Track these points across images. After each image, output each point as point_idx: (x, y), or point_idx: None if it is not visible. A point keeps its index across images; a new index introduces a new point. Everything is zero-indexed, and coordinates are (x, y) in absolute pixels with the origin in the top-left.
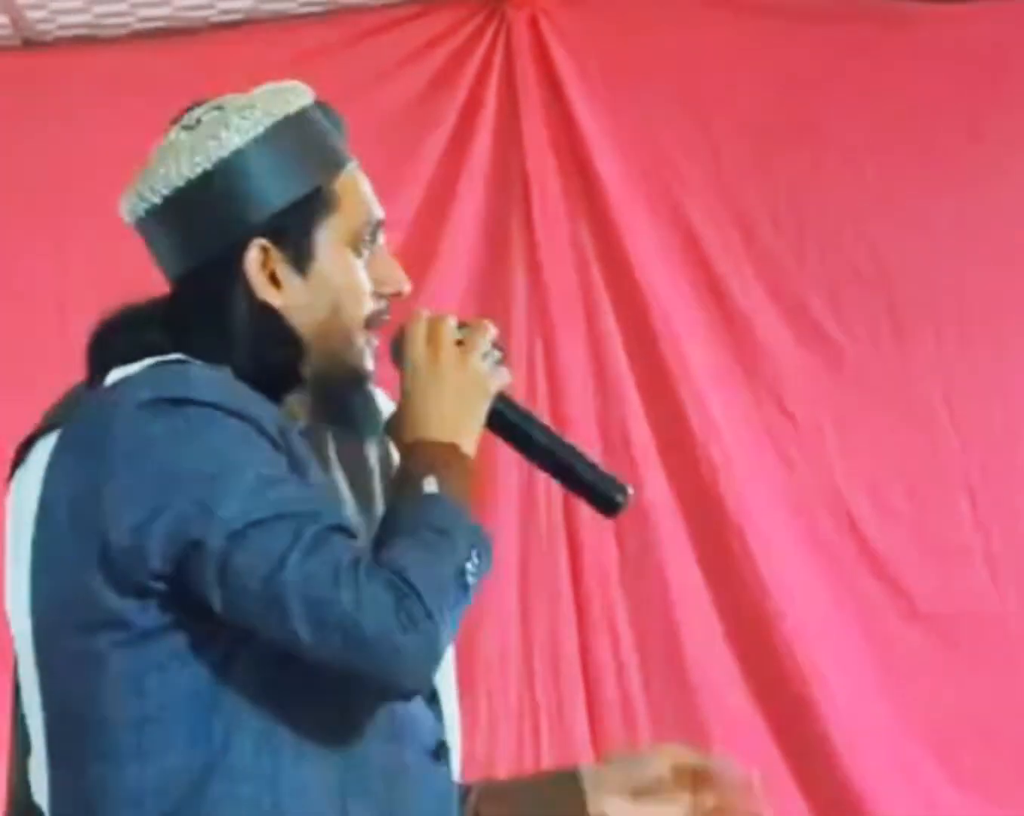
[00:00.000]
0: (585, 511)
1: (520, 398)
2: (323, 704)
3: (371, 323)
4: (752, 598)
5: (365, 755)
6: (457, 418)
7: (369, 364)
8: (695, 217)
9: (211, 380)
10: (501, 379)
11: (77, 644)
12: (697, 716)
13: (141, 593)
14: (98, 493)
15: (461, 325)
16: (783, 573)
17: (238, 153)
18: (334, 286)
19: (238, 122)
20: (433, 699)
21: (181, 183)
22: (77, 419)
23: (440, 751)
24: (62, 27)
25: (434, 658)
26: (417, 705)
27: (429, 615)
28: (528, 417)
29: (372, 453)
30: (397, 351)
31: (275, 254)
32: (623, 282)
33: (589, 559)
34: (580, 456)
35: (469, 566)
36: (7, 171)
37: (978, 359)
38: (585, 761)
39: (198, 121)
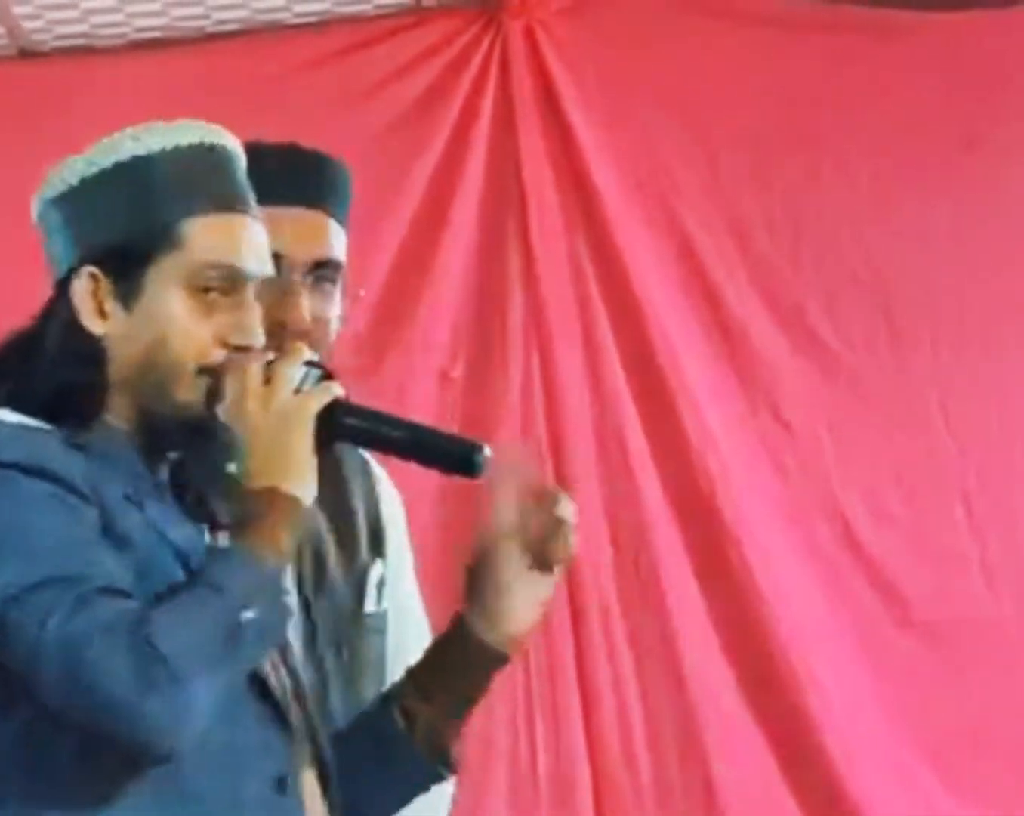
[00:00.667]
0: (581, 521)
1: (516, 412)
2: None
3: (215, 370)
4: (748, 606)
5: (196, 792)
6: (271, 459)
7: (198, 405)
8: (692, 227)
9: (15, 438)
10: (324, 396)
11: None
12: (693, 725)
13: None
14: None
15: (270, 361)
16: (779, 581)
17: (84, 182)
18: (159, 325)
19: (95, 155)
20: (285, 725)
21: (40, 207)
22: None
23: (281, 783)
24: (58, 37)
25: (181, 722)
26: (257, 736)
27: (174, 679)
28: (369, 416)
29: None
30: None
31: (105, 284)
32: (620, 294)
33: (585, 571)
34: (431, 433)
35: (244, 619)
36: (3, 181)
37: (975, 365)
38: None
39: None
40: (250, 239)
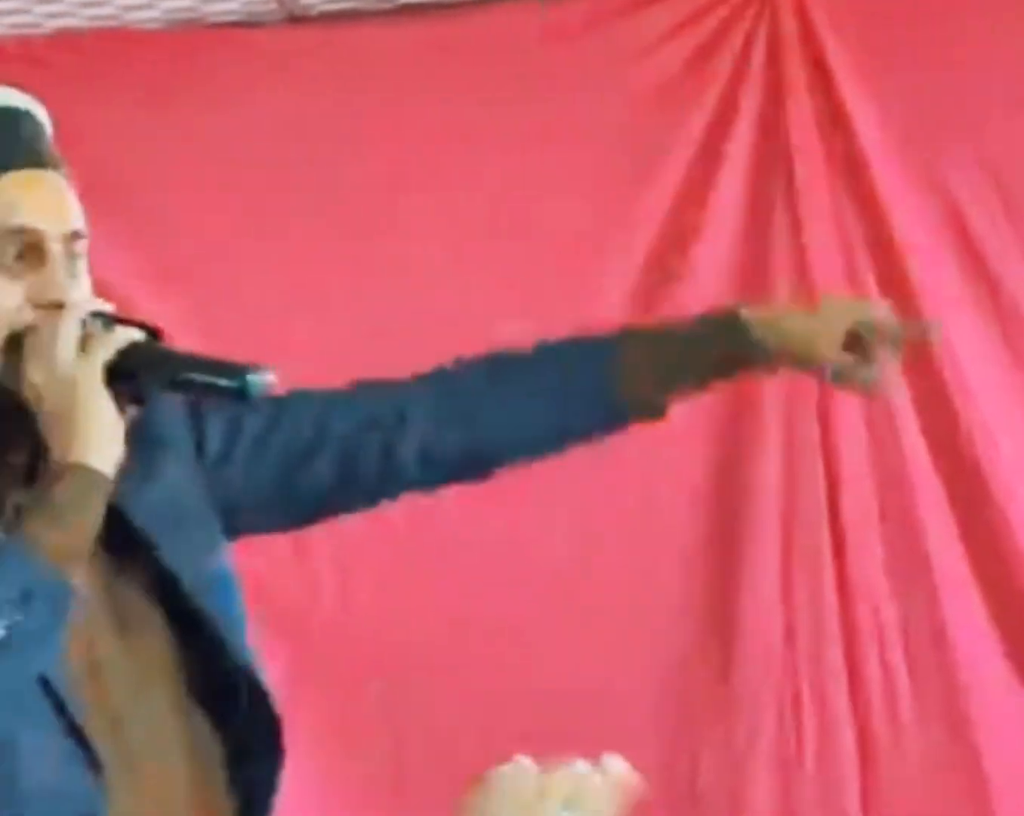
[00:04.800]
0: (848, 492)
1: (785, 381)
2: None
3: (14, 338)
4: (1016, 575)
5: None
6: (61, 430)
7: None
8: (960, 194)
9: None
10: (102, 349)
11: None
12: (960, 698)
13: None
14: None
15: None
16: None
17: None
18: None
19: None
20: (93, 765)
21: None
22: None
23: None
24: (326, 2)
25: None
26: (63, 774)
27: None
28: (151, 358)
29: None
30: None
31: None
32: (887, 262)
33: (852, 539)
34: (207, 366)
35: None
36: (271, 139)
37: None
38: (844, 741)
39: None
40: (46, 194)
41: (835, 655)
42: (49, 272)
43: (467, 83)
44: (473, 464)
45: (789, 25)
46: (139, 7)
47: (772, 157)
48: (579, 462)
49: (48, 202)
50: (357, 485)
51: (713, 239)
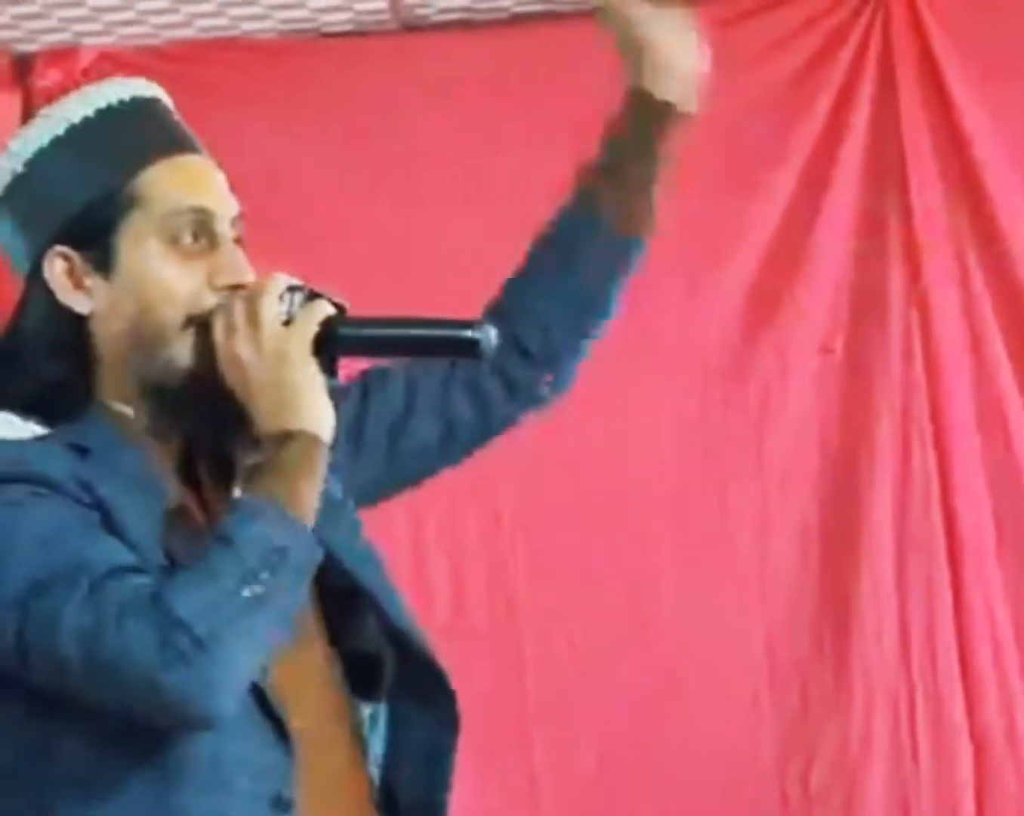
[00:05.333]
0: (962, 490)
1: (897, 386)
2: (144, 758)
3: (193, 319)
4: None
5: (184, 808)
6: (276, 400)
7: (190, 359)
8: None
9: None
10: (314, 318)
11: None
12: None
13: None
14: None
15: (248, 298)
16: None
17: (29, 165)
18: (142, 285)
19: (29, 132)
20: (286, 740)
21: None
22: None
23: (280, 802)
24: (440, 12)
25: (215, 686)
26: (254, 748)
27: (198, 643)
28: (363, 326)
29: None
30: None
31: (78, 260)
32: (1001, 266)
33: (966, 537)
34: (427, 326)
35: (261, 571)
36: (385, 146)
37: None
38: (959, 743)
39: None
40: (207, 179)
41: (949, 657)
42: (225, 255)
43: (579, 89)
44: (545, 366)
45: (902, 32)
46: (254, 18)
47: (885, 166)
48: (692, 499)
49: (212, 185)
50: (458, 432)
51: (825, 250)
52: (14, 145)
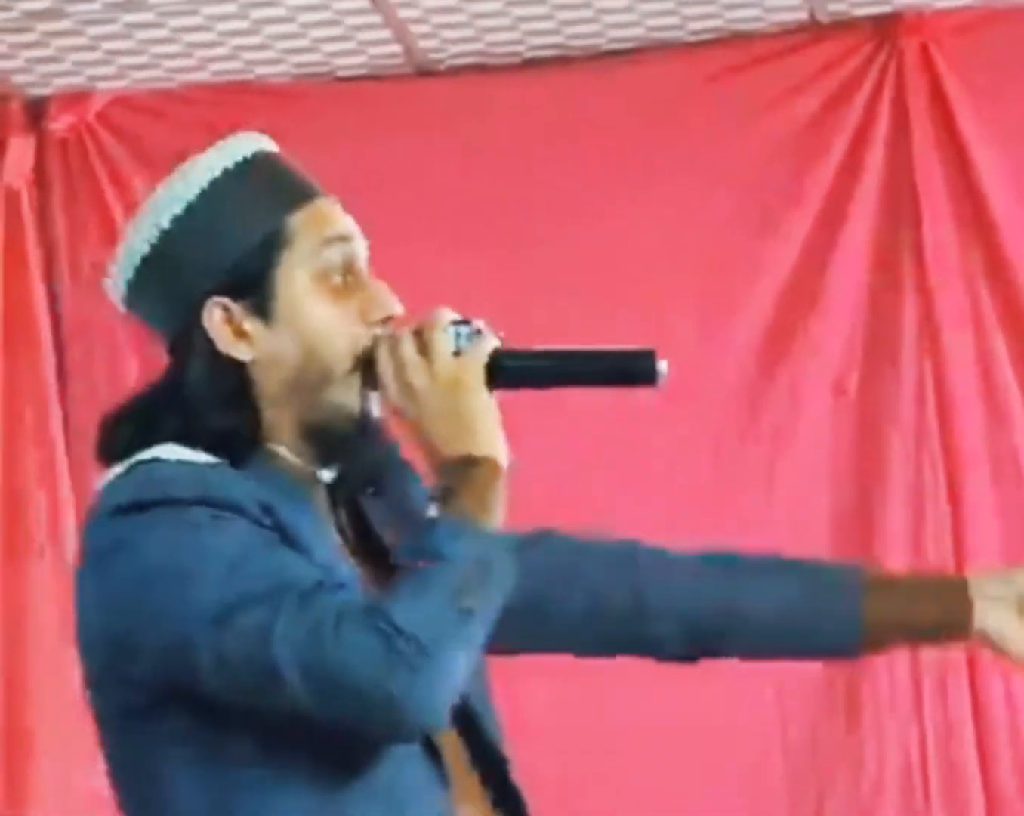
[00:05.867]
0: (974, 535)
1: (910, 424)
2: (319, 773)
3: (366, 356)
4: None
5: None
6: (456, 429)
7: (357, 401)
8: None
9: (176, 476)
10: (484, 350)
11: (100, 737)
12: None
13: (134, 689)
14: (82, 600)
15: (417, 331)
16: None
17: (177, 220)
18: (303, 326)
19: (174, 188)
20: (440, 769)
21: (137, 262)
22: (84, 519)
23: None
24: (453, 56)
25: (438, 693)
26: (420, 772)
27: (423, 652)
28: (530, 356)
29: (400, 490)
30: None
31: (237, 307)
32: (1013, 307)
33: None
34: (597, 354)
35: (471, 585)
36: (399, 190)
37: None
38: (972, 788)
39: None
40: (343, 218)
41: (961, 702)
42: (373, 289)
43: (593, 134)
44: (703, 644)
45: (915, 75)
46: (268, 62)
47: (899, 207)
48: (706, 534)
49: (348, 223)
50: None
51: (840, 289)
52: (157, 204)
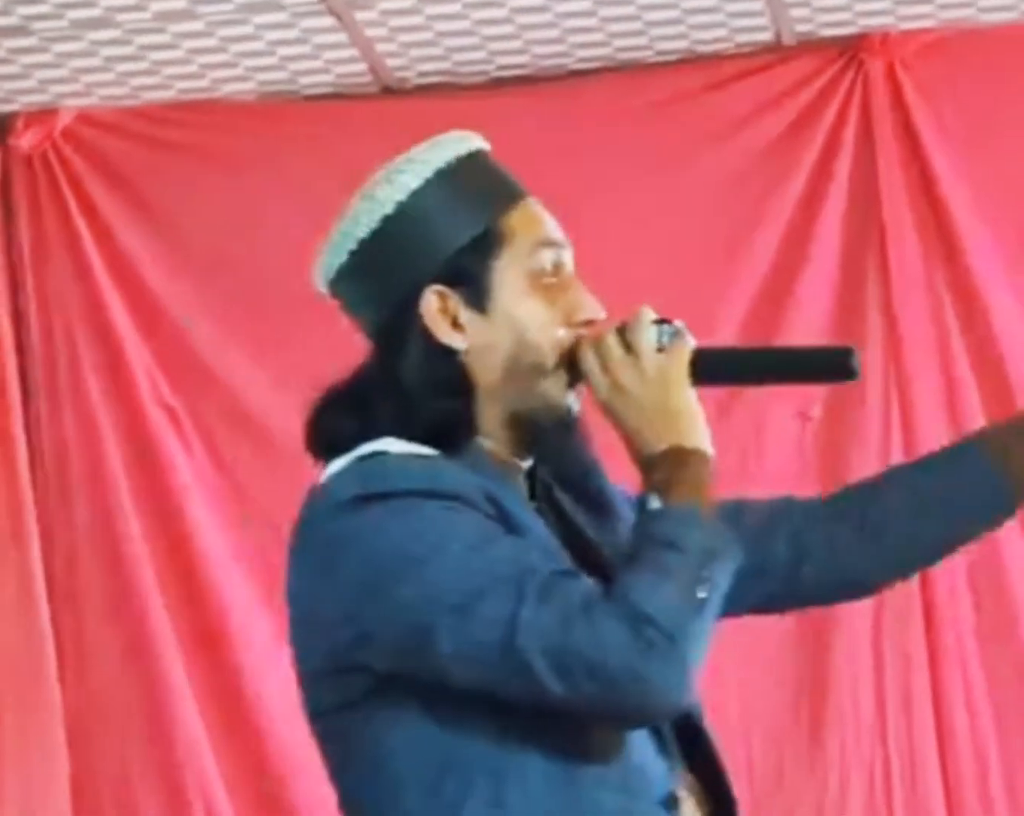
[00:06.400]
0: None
1: (875, 449)
2: (552, 759)
3: (569, 354)
4: None
5: (596, 805)
6: (667, 422)
7: (565, 396)
8: None
9: (405, 468)
10: (685, 349)
11: (321, 724)
12: None
13: (366, 675)
14: (315, 588)
15: (620, 329)
16: None
17: (402, 206)
18: (517, 320)
19: (398, 177)
20: (665, 748)
21: (354, 247)
22: (299, 515)
23: (671, 802)
24: (420, 75)
25: (682, 678)
26: (648, 756)
27: (668, 636)
28: (729, 354)
29: (595, 484)
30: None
31: (453, 297)
32: (979, 331)
33: (943, 606)
34: (794, 351)
35: (705, 574)
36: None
37: None
38: (935, 812)
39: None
40: (552, 221)
41: (926, 727)
42: (579, 291)
43: (561, 154)
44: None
45: (881, 97)
46: (234, 79)
47: (864, 227)
48: None
49: (557, 228)
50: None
51: (805, 309)
52: (379, 189)
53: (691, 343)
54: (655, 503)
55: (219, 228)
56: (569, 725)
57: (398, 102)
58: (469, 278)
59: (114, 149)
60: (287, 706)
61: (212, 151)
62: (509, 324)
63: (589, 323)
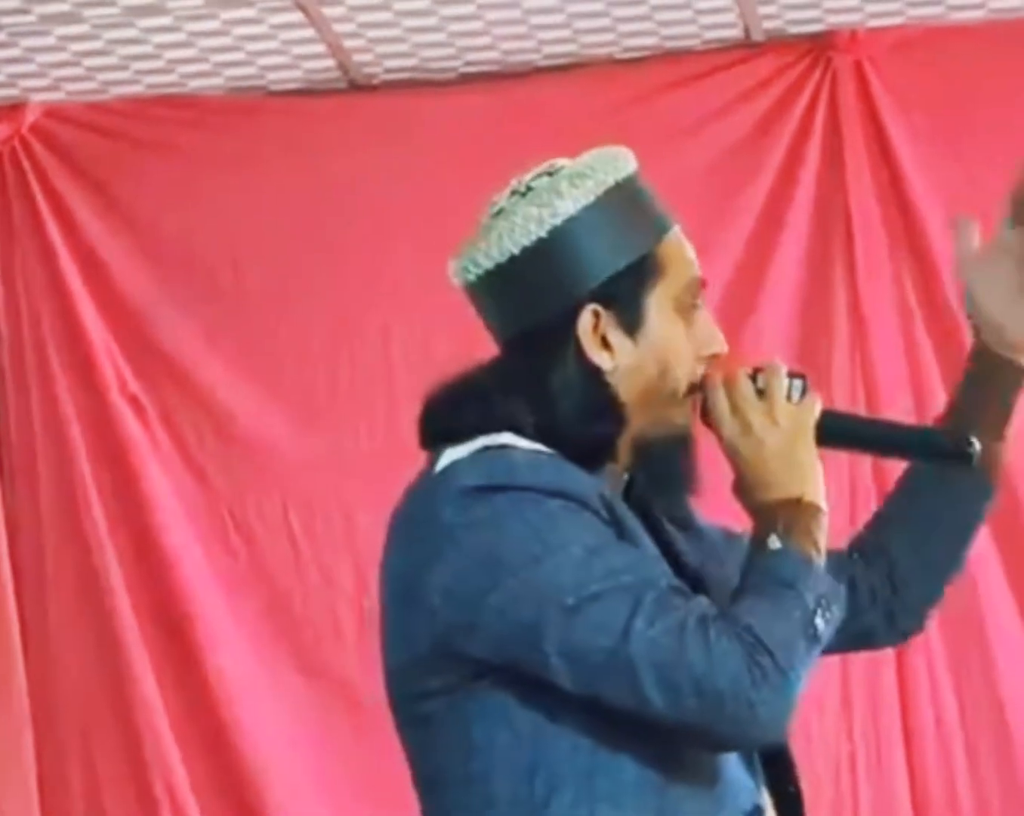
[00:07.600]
0: None
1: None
2: (643, 764)
3: (693, 387)
4: None
5: (676, 800)
6: (791, 471)
7: (689, 424)
8: None
9: (532, 464)
10: (815, 406)
11: (411, 709)
12: (1016, 762)
13: (466, 663)
14: (427, 572)
15: (755, 373)
16: None
17: (571, 221)
18: (662, 349)
19: (570, 190)
20: (751, 763)
21: (516, 251)
22: (411, 499)
23: (758, 810)
24: (388, 71)
25: (787, 711)
26: (735, 768)
27: (780, 669)
28: (851, 420)
29: (685, 515)
30: (705, 415)
31: (606, 318)
32: (946, 330)
33: None
34: (917, 431)
35: (818, 620)
36: (336, 209)
37: None
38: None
39: (528, 188)
40: (691, 250)
41: (891, 723)
42: (710, 325)
43: (528, 150)
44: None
45: (849, 93)
46: (202, 75)
47: (832, 224)
48: None
49: (694, 253)
50: None
51: (773, 306)
52: (546, 198)
53: (820, 402)
54: (776, 543)
55: (186, 222)
56: (664, 735)
57: (366, 98)
58: (624, 302)
59: (82, 144)
60: (252, 693)
61: (180, 146)
62: (656, 351)
63: (714, 357)
